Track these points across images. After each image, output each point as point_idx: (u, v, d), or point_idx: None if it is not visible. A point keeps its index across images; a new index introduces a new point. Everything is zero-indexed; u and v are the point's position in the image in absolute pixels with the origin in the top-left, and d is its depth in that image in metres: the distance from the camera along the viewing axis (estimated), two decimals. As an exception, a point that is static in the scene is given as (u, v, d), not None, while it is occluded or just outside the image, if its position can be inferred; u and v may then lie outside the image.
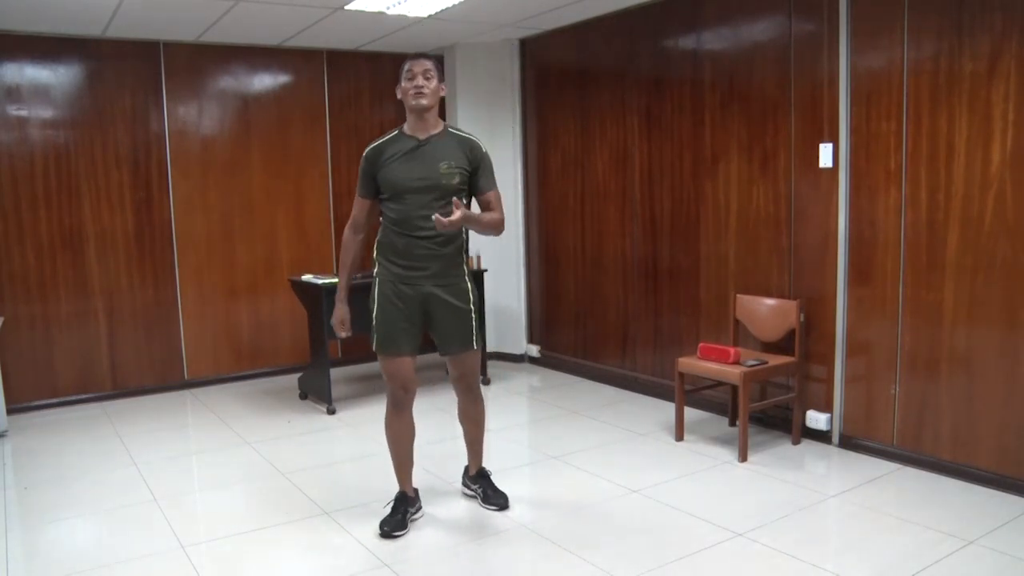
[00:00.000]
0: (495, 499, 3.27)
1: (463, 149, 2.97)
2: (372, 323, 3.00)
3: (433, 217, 2.76)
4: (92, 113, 5.09)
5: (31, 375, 5.02)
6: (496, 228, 3.02)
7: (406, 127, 2.98)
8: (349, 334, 3.13)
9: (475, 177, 3.00)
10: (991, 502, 3.20)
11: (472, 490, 3.37)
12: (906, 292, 3.57)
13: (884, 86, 3.58)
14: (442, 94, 2.97)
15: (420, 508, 3.22)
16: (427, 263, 2.94)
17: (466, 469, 3.43)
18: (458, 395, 3.25)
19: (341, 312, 3.11)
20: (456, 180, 2.93)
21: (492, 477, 3.38)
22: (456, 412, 3.32)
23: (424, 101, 2.89)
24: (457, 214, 2.74)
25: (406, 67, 2.93)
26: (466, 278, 3.05)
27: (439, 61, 2.93)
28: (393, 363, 3.00)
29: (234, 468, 3.90)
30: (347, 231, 3.11)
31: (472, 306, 3.04)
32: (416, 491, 3.23)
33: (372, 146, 3.01)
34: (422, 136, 2.94)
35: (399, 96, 2.96)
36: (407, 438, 3.14)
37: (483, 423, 3.32)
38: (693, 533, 3.01)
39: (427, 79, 2.89)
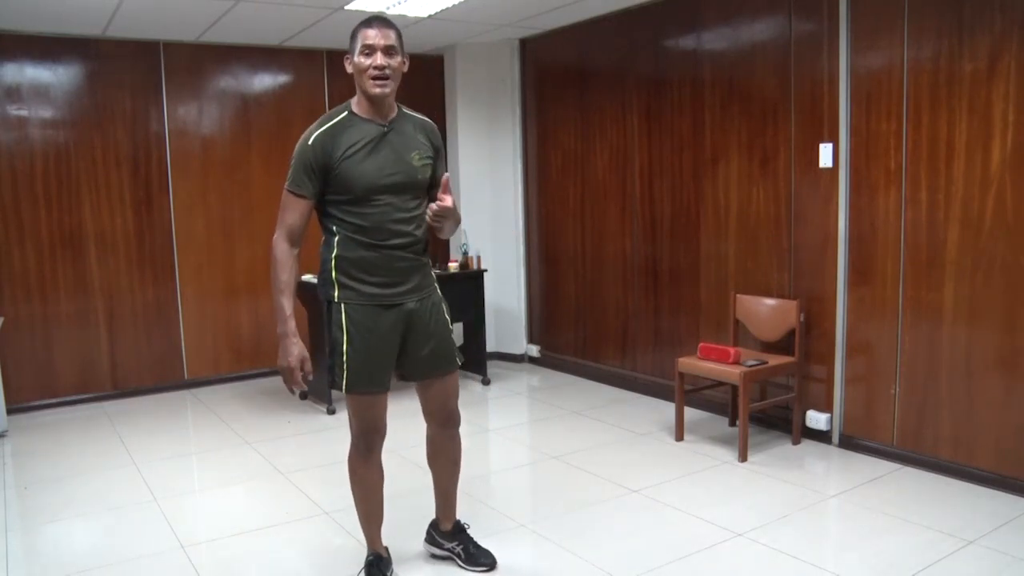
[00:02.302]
0: (481, 557, 2.69)
1: (426, 134, 2.49)
2: (342, 358, 2.40)
3: (435, 206, 2.35)
4: (92, 113, 5.09)
5: (31, 375, 5.02)
6: (459, 220, 2.57)
7: (356, 107, 2.39)
8: (310, 380, 2.44)
9: (435, 164, 2.52)
10: (991, 502, 3.20)
11: (446, 549, 2.76)
12: (906, 292, 3.58)
13: (884, 86, 3.58)
14: (403, 70, 2.39)
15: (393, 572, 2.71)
16: (407, 276, 2.44)
17: (434, 523, 2.81)
18: (433, 430, 2.68)
19: (299, 350, 2.36)
20: (427, 174, 2.45)
21: (470, 531, 2.80)
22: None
23: (387, 90, 2.32)
24: (448, 200, 2.34)
25: (361, 35, 2.31)
26: (436, 286, 2.59)
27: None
28: (368, 402, 2.45)
29: (234, 468, 3.90)
30: (281, 243, 2.40)
31: (448, 317, 2.61)
32: (387, 549, 2.71)
33: (318, 131, 2.35)
34: (383, 121, 2.39)
35: (349, 70, 2.36)
36: (378, 485, 2.61)
37: (460, 464, 2.75)
38: (693, 533, 3.01)
39: (390, 55, 2.30)
